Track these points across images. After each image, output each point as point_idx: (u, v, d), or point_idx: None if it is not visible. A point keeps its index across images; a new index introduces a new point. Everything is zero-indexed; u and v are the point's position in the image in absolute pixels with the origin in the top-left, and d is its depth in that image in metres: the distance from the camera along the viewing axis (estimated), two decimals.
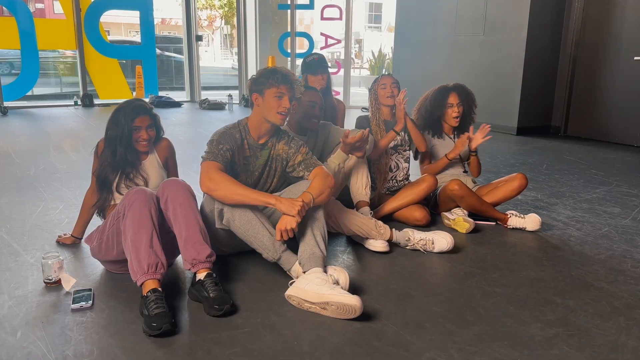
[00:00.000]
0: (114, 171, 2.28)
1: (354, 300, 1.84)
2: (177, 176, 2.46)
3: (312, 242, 2.08)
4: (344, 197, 2.81)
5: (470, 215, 2.96)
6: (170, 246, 2.06)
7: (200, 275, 1.94)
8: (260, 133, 2.30)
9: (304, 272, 2.03)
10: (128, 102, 2.30)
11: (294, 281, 2.01)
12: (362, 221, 2.49)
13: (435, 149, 3.17)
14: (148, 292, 1.81)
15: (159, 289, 1.84)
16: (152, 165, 2.36)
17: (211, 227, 2.21)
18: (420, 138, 3.04)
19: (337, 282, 1.99)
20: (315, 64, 3.25)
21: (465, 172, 3.19)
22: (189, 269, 1.97)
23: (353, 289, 2.07)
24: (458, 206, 2.95)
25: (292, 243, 2.14)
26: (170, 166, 2.47)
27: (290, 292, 1.95)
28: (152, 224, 1.94)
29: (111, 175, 2.28)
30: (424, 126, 3.18)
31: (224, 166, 2.17)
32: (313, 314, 1.90)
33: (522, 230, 2.90)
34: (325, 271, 2.03)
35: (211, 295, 1.87)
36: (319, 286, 1.90)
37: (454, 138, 3.18)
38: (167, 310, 1.76)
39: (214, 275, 1.94)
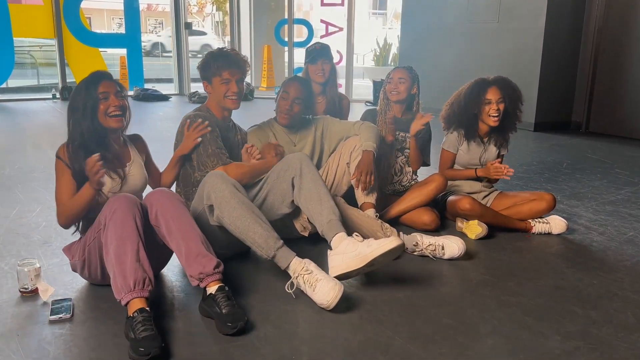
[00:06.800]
0: (88, 155, 2.05)
1: (394, 242, 2.04)
2: (159, 174, 2.46)
3: (326, 205, 2.21)
4: (349, 201, 2.80)
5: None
6: (153, 259, 1.97)
7: (211, 289, 1.89)
8: (224, 116, 2.59)
9: (330, 243, 2.16)
10: (83, 79, 2.14)
11: (293, 287, 2.04)
12: (367, 221, 2.50)
13: (459, 154, 3.04)
14: (134, 312, 1.75)
15: (147, 308, 1.78)
16: (137, 166, 2.27)
17: (204, 227, 2.21)
18: (417, 159, 3.02)
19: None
20: (315, 51, 3.26)
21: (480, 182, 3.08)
22: (197, 285, 1.93)
23: (355, 298, 2.08)
24: None
25: (289, 240, 2.13)
26: (151, 167, 2.41)
27: (335, 274, 2.06)
28: (137, 234, 1.88)
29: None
30: (456, 124, 3.01)
31: (227, 156, 2.43)
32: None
33: (545, 234, 2.90)
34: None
35: (224, 311, 1.83)
36: (355, 250, 2.06)
37: (489, 143, 3.03)
38: (156, 332, 1.71)
39: (226, 288, 1.90)
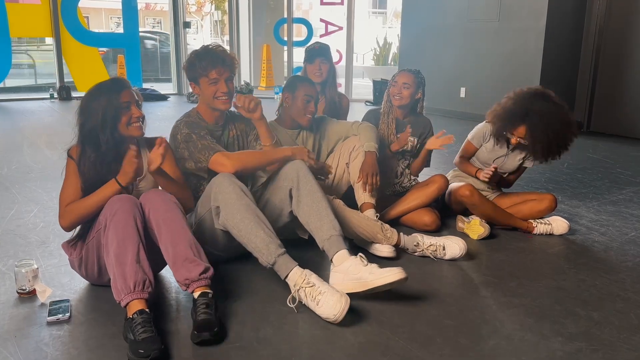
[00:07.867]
0: (106, 167, 2.03)
1: (398, 275, 1.98)
2: (179, 174, 2.26)
3: (326, 221, 2.15)
4: (349, 201, 2.80)
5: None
6: (152, 260, 1.95)
7: (196, 294, 1.88)
8: (216, 117, 2.46)
9: (331, 260, 2.11)
10: (100, 83, 2.07)
11: (295, 301, 1.97)
12: (367, 223, 2.49)
13: (481, 150, 3.02)
14: (134, 314, 1.74)
15: (147, 310, 1.77)
16: (148, 182, 2.18)
17: (206, 230, 2.21)
18: (419, 166, 3.06)
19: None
20: (313, 50, 3.25)
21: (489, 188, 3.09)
22: (185, 290, 1.91)
23: (354, 299, 2.08)
24: None
25: (291, 249, 2.12)
26: (168, 172, 2.18)
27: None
28: (138, 236, 1.87)
29: (109, 175, 2.01)
30: (494, 122, 2.93)
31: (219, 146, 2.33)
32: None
33: (547, 235, 2.90)
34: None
35: (198, 318, 1.79)
36: (357, 274, 2.02)
37: (514, 151, 2.98)
38: (155, 334, 1.70)
39: (210, 295, 1.87)
